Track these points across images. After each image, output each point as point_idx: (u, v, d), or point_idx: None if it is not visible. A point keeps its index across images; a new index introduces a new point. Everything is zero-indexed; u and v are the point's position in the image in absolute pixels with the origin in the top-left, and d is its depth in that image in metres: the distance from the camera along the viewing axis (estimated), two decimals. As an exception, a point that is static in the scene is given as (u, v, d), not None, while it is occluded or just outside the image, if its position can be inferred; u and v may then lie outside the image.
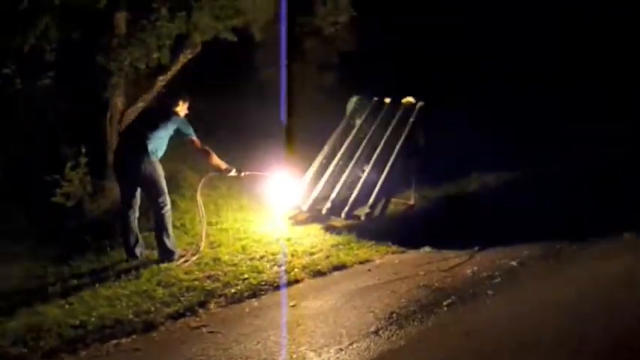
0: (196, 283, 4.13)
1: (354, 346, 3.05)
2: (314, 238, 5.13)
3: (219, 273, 4.32)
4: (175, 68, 6.73)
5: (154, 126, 4.53)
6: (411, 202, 5.94)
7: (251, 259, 4.58)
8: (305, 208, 5.51)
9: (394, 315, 3.41)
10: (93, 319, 3.56)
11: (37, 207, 5.97)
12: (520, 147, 6.82)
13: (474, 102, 7.42)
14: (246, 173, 5.01)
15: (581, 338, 2.85)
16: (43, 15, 5.86)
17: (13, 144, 6.70)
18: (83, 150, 6.05)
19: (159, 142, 4.55)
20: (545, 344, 2.82)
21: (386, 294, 3.81)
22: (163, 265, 4.54)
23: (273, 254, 4.70)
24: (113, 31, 6.18)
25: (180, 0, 6.13)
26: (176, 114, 4.66)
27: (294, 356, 3.01)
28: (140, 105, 6.82)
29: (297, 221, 5.57)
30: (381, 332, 3.18)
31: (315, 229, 5.38)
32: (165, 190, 4.61)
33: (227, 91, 8.77)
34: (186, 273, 4.29)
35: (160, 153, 4.61)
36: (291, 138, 7.20)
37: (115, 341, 3.30)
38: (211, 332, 3.39)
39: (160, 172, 4.57)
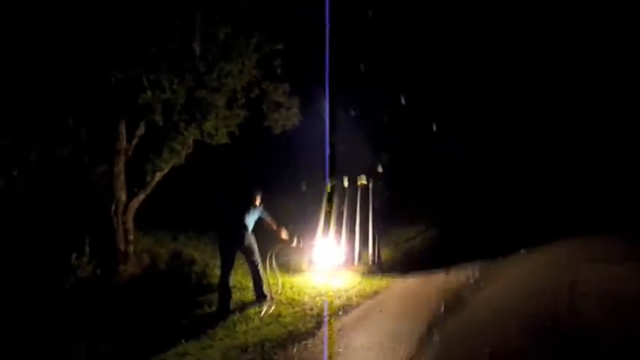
0: (304, 312, 5.99)
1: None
2: (346, 280, 7.37)
3: (309, 307, 6.21)
4: (171, 165, 8.39)
5: (247, 213, 6.49)
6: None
7: (320, 296, 6.59)
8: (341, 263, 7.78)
9: (446, 301, 5.85)
10: (268, 337, 5.21)
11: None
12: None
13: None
14: (302, 244, 7.21)
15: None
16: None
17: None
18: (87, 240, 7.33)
19: (251, 223, 6.53)
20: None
21: (429, 295, 6.23)
22: (251, 311, 6.23)
23: (327, 292, 6.77)
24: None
25: (194, 114, 8.04)
26: (256, 205, 6.65)
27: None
28: (141, 197, 8.25)
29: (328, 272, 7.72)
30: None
31: (344, 274, 7.67)
32: (258, 253, 6.48)
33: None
34: (290, 308, 6.13)
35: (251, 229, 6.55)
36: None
37: (304, 342, 5.06)
38: (353, 329, 5.37)
39: (255, 242, 6.49)
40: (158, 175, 8.28)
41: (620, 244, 7.15)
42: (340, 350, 4.77)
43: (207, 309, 6.38)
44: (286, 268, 7.78)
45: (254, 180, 7.60)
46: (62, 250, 7.32)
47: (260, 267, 6.49)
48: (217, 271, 7.67)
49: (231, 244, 6.41)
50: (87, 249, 7.43)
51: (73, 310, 6.47)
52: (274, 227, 6.74)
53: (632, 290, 5.29)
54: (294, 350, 4.88)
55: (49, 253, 7.34)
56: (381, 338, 4.95)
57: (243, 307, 6.39)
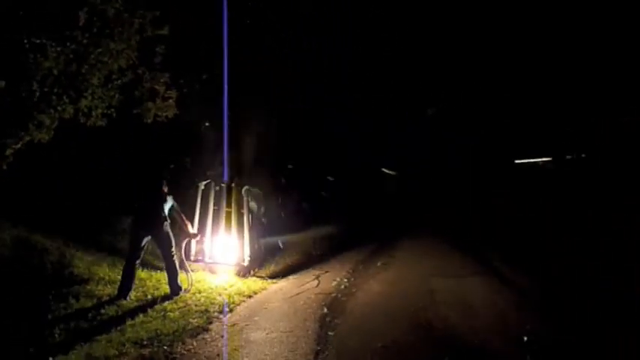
0: (190, 308, 5.90)
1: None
2: (221, 278, 7.37)
3: (194, 304, 6.13)
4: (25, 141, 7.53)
5: (161, 203, 6.39)
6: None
7: (200, 293, 6.54)
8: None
9: (326, 303, 6.32)
10: (161, 331, 5.04)
11: None
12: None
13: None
14: (199, 237, 7.34)
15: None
16: None
17: None
18: None
19: (165, 213, 6.39)
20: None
21: (308, 297, 6.62)
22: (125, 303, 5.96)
23: (207, 289, 6.74)
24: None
25: (67, 89, 7.37)
26: (166, 194, 6.49)
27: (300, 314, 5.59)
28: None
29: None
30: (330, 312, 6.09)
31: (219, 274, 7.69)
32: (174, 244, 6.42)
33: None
34: (174, 304, 6.01)
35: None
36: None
37: (201, 336, 5.01)
38: (246, 325, 5.48)
39: (172, 235, 6.39)
40: (13, 148, 7.28)
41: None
42: (242, 344, 4.86)
43: (74, 303, 5.80)
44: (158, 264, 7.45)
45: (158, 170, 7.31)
46: None
47: (176, 260, 6.45)
48: (77, 262, 7.07)
49: (147, 229, 6.28)
50: None
51: None
52: (183, 219, 6.70)
53: (475, 298, 6.44)
54: (194, 344, 4.81)
55: None
56: (279, 334, 5.17)
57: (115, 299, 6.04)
